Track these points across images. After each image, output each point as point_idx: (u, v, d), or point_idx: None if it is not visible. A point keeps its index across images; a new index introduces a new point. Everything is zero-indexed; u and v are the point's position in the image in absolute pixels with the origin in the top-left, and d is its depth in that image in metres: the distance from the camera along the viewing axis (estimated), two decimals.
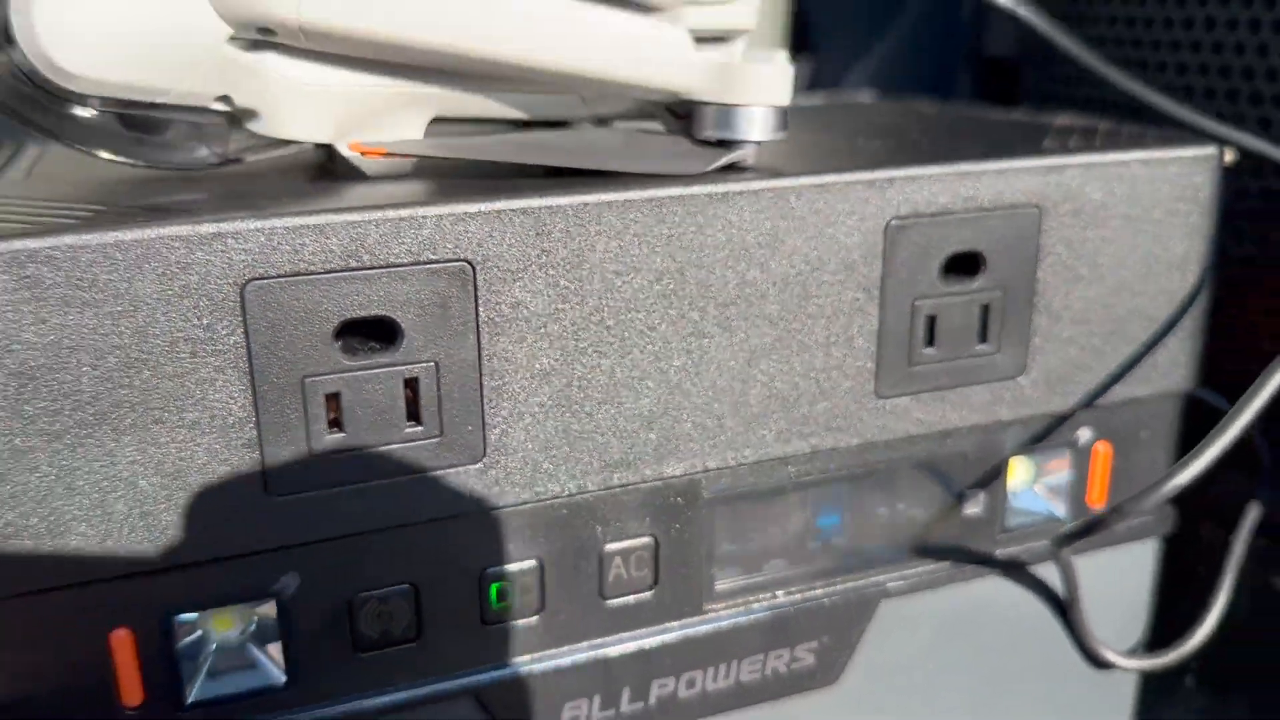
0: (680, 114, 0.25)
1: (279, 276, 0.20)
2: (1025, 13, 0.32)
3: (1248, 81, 0.35)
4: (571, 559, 0.24)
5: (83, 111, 0.21)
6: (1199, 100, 0.36)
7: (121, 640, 0.21)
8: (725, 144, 0.24)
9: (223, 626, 0.22)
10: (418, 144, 0.24)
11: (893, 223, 0.24)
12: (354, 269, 0.20)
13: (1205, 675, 0.40)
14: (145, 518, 0.20)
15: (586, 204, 0.22)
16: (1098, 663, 0.32)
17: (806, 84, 0.57)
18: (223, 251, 0.19)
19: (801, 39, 0.59)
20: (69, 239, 0.19)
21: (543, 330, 0.22)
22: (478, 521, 0.23)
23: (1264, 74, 0.34)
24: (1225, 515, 0.36)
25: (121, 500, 0.20)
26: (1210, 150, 0.28)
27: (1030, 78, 0.46)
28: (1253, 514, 0.36)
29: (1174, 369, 0.30)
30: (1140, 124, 0.32)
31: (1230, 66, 0.35)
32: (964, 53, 0.52)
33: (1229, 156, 0.29)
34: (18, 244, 0.18)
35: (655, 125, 0.27)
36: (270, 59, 0.21)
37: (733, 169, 0.24)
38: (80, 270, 0.19)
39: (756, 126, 0.24)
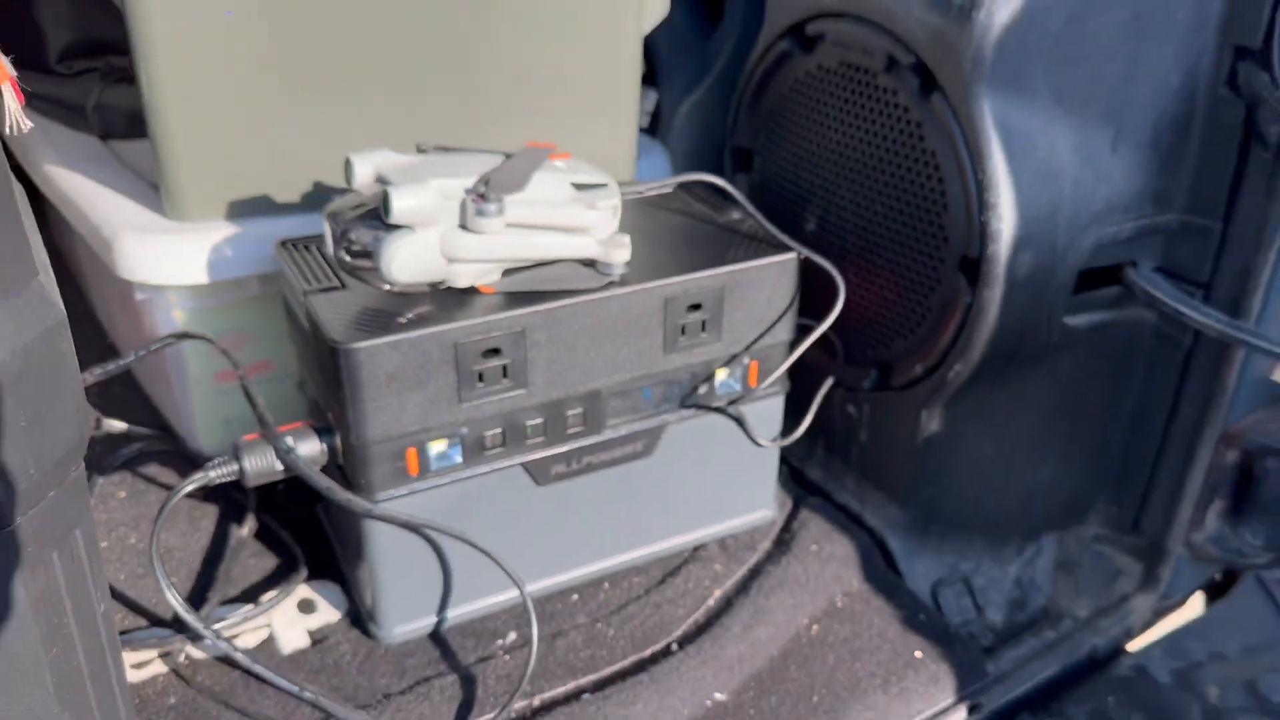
0: (586, 263, 0.69)
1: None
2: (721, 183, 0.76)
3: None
4: None
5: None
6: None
7: None
8: (605, 274, 0.68)
9: None
10: (498, 285, 0.67)
11: (668, 297, 0.69)
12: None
13: (798, 442, 0.90)
14: None
15: (552, 306, 0.66)
16: (758, 444, 0.80)
17: (650, 124, 1.01)
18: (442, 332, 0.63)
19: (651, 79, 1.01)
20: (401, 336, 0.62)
21: None
22: None
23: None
24: (817, 379, 0.84)
25: None
26: (790, 256, 0.74)
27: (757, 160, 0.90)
28: (830, 377, 0.84)
29: (783, 327, 0.76)
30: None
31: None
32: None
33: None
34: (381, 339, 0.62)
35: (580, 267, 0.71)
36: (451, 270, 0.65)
37: (611, 284, 0.68)
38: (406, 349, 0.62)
39: (617, 269, 0.68)
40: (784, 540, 0.83)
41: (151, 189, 0.82)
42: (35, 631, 0.50)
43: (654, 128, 1.01)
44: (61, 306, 0.48)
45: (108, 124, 0.91)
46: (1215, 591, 0.97)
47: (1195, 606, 0.95)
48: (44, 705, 0.51)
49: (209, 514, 0.81)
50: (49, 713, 0.52)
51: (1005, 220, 0.69)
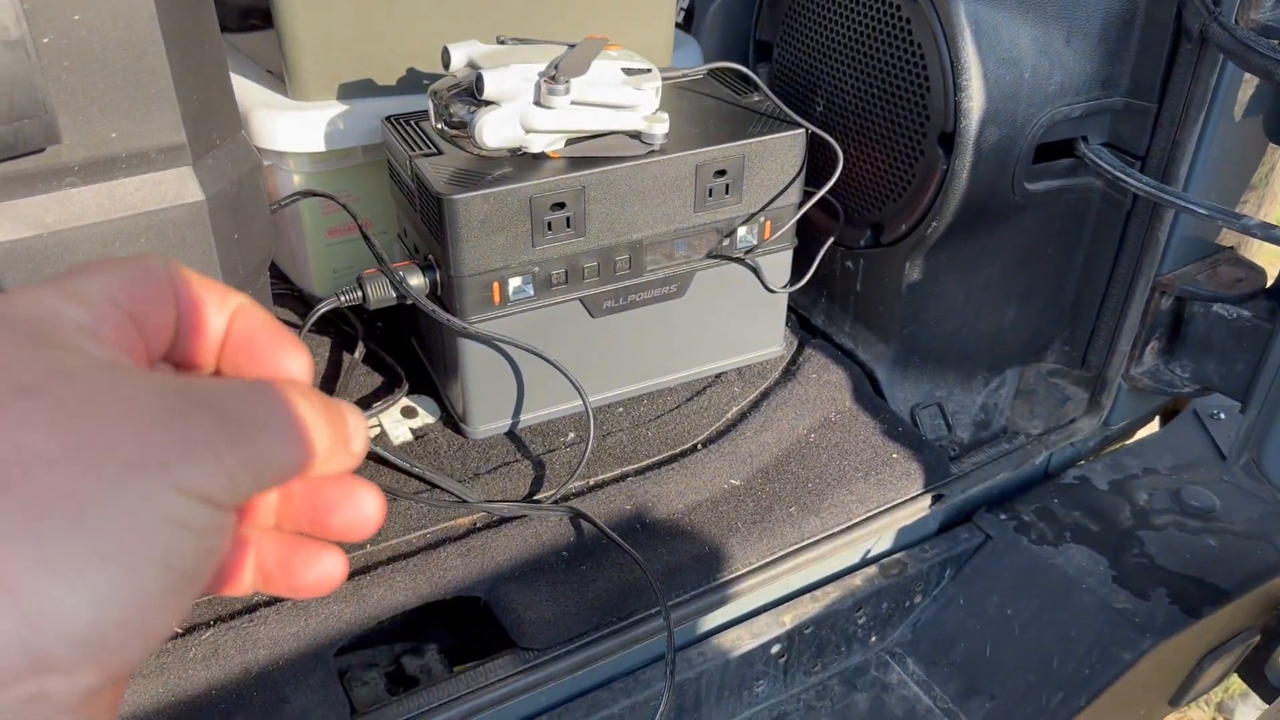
0: (633, 135, 0.86)
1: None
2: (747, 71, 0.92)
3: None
4: None
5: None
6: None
7: None
8: (648, 144, 0.85)
9: None
10: (563, 152, 0.84)
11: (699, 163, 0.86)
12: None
13: (804, 292, 1.08)
14: None
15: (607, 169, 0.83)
16: (771, 291, 0.97)
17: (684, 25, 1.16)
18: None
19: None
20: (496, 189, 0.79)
21: None
22: None
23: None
24: (819, 238, 1.01)
25: None
26: (799, 132, 0.90)
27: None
28: (831, 237, 1.01)
29: (793, 191, 0.93)
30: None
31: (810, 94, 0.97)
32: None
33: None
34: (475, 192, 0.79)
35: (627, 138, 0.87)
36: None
37: (652, 152, 0.85)
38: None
39: (658, 140, 0.84)
40: (790, 370, 1.01)
41: (267, 74, 0.99)
42: None
43: (687, 25, 1.16)
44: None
45: (223, 18, 1.07)
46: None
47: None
48: None
49: (326, 344, 1.00)
50: None
51: (975, 100, 0.84)
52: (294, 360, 0.29)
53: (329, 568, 0.30)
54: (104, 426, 0.22)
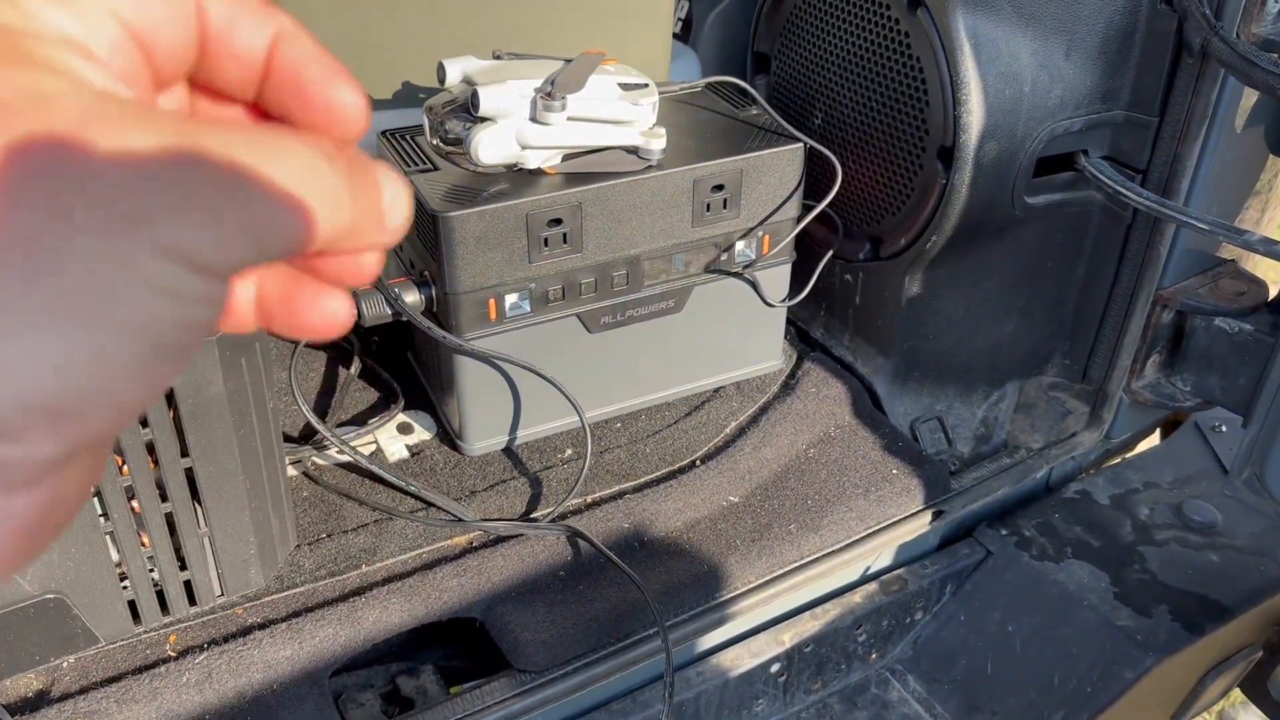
0: (630, 150, 0.85)
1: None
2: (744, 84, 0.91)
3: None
4: None
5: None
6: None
7: None
8: (646, 159, 0.84)
9: None
10: (559, 167, 0.83)
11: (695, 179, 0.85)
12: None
13: (803, 306, 1.07)
14: None
15: (605, 185, 0.82)
16: (769, 305, 0.97)
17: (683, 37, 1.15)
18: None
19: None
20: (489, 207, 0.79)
21: None
22: None
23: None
24: (818, 251, 1.00)
25: None
26: (798, 146, 0.89)
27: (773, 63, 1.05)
28: (830, 250, 1.00)
29: (791, 206, 0.92)
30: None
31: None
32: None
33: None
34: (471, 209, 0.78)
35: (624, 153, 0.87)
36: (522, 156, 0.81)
37: (649, 167, 0.84)
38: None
39: (655, 155, 0.84)
40: (789, 384, 1.00)
41: None
42: (229, 418, 0.68)
43: (685, 35, 1.15)
44: None
45: None
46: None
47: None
48: (232, 474, 0.70)
49: (322, 359, 0.99)
50: (237, 479, 0.70)
51: (974, 114, 0.84)
52: (348, 97, 0.25)
53: (333, 307, 0.26)
54: (80, 166, 0.19)
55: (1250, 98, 0.86)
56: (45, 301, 0.18)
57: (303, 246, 0.22)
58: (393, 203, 0.24)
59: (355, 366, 0.97)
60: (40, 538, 0.20)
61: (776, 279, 0.95)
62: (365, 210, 0.24)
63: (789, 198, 0.90)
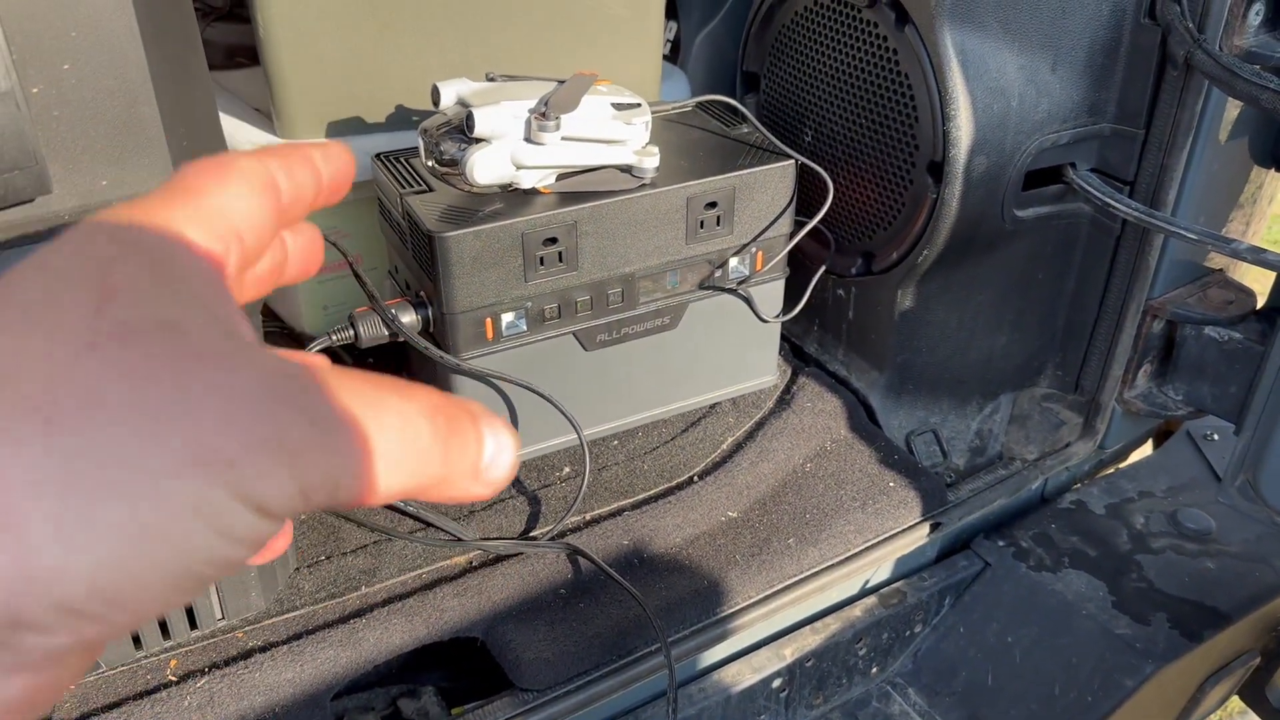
0: (623, 169, 0.86)
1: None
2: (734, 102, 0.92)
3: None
4: None
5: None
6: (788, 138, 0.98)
7: None
8: (639, 178, 0.85)
9: None
10: (554, 187, 0.84)
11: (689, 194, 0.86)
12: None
13: (796, 321, 1.08)
14: None
15: (598, 204, 0.83)
16: (764, 321, 0.97)
17: (671, 53, 1.16)
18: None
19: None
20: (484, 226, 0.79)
21: None
22: None
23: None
24: (811, 266, 1.01)
25: None
26: (789, 163, 0.90)
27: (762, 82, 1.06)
28: (823, 265, 1.01)
29: (784, 222, 0.93)
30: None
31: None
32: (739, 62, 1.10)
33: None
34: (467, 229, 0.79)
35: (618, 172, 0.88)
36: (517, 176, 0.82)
37: (643, 186, 0.85)
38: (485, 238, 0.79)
39: (648, 173, 0.85)
40: (784, 399, 1.01)
41: (254, 112, 0.98)
42: None
43: (674, 55, 1.16)
44: None
45: (209, 56, 1.07)
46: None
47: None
48: None
49: None
50: None
51: (963, 129, 0.85)
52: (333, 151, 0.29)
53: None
54: (187, 399, 0.20)
55: (1234, 109, 0.88)
56: (110, 519, 0.19)
57: (378, 500, 0.23)
58: (494, 460, 0.25)
59: None
60: (28, 718, 0.21)
61: (770, 295, 0.95)
62: (457, 468, 0.24)
63: (781, 214, 0.90)
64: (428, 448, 0.23)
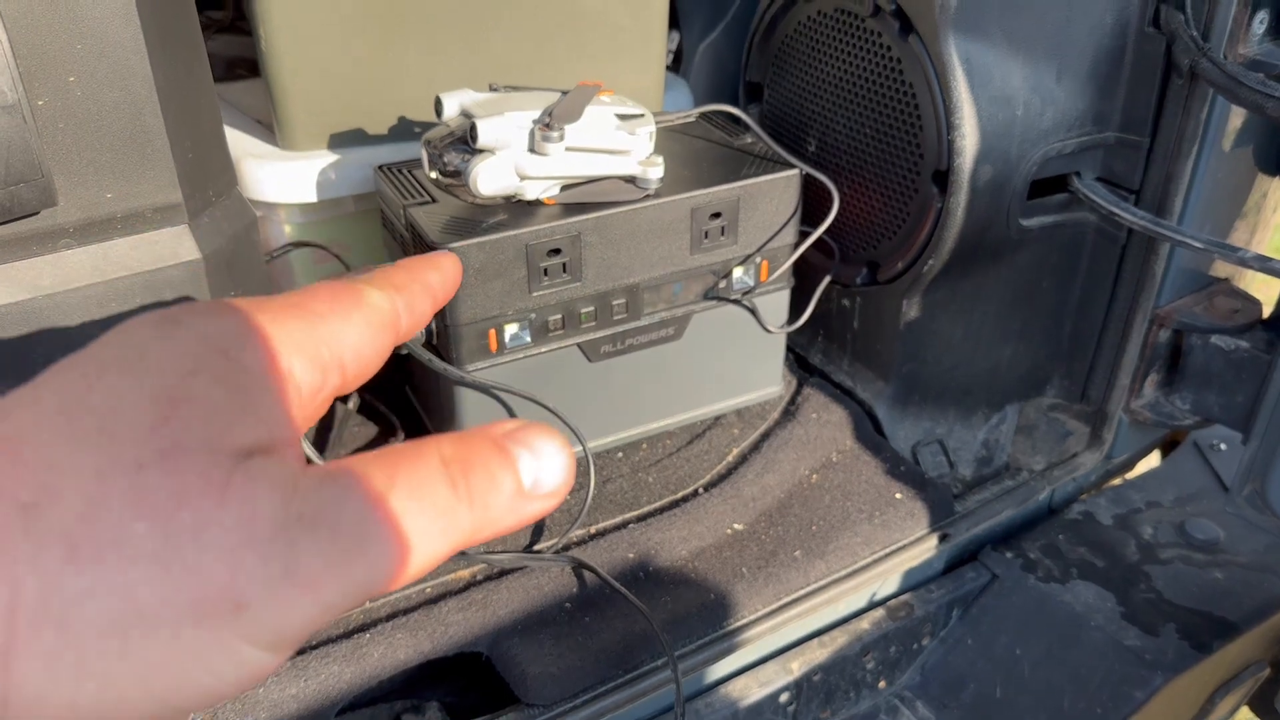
0: (627, 179, 0.86)
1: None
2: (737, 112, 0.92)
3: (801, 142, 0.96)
4: None
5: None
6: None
7: None
8: (643, 188, 0.84)
9: None
10: (558, 198, 0.83)
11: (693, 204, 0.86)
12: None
13: (801, 331, 1.07)
14: None
15: (602, 214, 0.82)
16: (769, 331, 0.97)
17: (673, 63, 1.16)
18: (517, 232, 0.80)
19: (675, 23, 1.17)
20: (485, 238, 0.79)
21: None
22: None
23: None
24: (815, 277, 1.01)
25: None
26: (794, 172, 0.90)
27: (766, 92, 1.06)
28: (828, 275, 1.01)
29: (788, 232, 0.92)
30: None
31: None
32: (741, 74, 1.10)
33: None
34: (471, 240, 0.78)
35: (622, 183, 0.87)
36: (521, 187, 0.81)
37: (647, 196, 0.84)
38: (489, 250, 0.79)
39: (652, 184, 0.84)
40: (790, 411, 1.00)
41: (255, 123, 0.98)
42: None
43: (676, 66, 1.16)
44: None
45: (211, 68, 1.07)
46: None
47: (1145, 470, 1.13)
48: None
49: None
50: None
51: (968, 138, 0.84)
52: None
53: None
54: (203, 540, 0.20)
55: (1239, 118, 0.88)
56: (106, 665, 0.20)
57: (401, 584, 0.23)
58: (539, 475, 0.25)
59: (354, 401, 0.96)
60: None
61: (775, 305, 0.95)
62: (493, 506, 0.24)
63: (786, 224, 0.90)
64: (449, 506, 0.23)
